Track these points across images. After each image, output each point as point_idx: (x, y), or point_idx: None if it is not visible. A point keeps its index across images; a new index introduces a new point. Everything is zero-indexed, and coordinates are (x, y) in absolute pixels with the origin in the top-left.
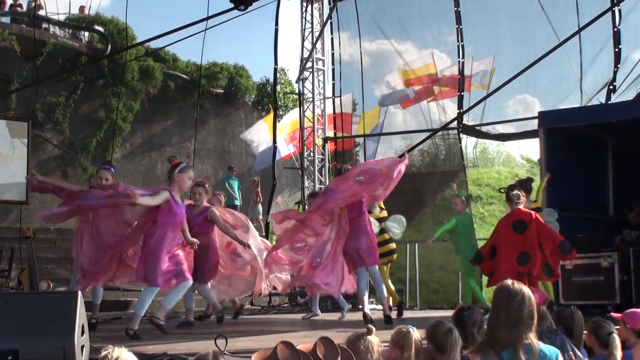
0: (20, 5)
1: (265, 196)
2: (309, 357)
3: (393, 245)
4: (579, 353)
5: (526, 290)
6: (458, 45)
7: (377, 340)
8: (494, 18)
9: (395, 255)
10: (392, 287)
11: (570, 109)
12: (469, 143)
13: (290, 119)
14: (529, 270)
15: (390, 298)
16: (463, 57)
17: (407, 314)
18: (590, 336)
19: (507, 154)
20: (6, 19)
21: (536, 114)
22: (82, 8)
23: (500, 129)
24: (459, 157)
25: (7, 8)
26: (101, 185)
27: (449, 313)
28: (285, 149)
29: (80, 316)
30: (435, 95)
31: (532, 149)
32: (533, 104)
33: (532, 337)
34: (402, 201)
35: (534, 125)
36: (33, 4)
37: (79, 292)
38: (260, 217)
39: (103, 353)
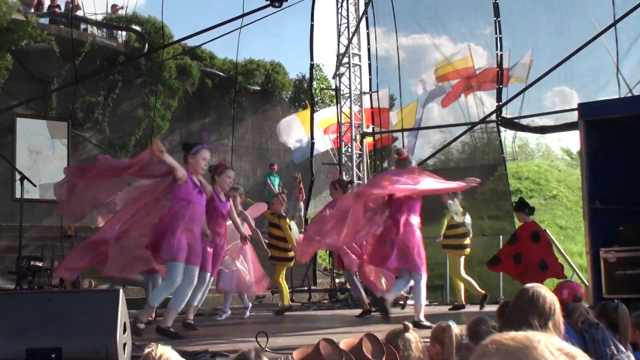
0: (59, 6)
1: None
2: (350, 356)
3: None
4: (621, 347)
5: (544, 291)
6: (496, 38)
7: (415, 337)
8: (530, 9)
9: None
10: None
11: (611, 100)
12: (507, 136)
13: (324, 116)
14: (550, 275)
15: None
16: (501, 50)
17: (446, 309)
18: (635, 331)
19: (546, 147)
20: (45, 20)
21: (574, 106)
22: (114, 7)
23: (538, 121)
24: (498, 150)
25: (45, 9)
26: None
27: (491, 308)
28: (322, 145)
29: (122, 314)
30: (473, 88)
31: (572, 141)
32: (571, 96)
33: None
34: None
35: (572, 117)
36: (71, 5)
37: (121, 290)
38: (302, 213)
39: (147, 350)
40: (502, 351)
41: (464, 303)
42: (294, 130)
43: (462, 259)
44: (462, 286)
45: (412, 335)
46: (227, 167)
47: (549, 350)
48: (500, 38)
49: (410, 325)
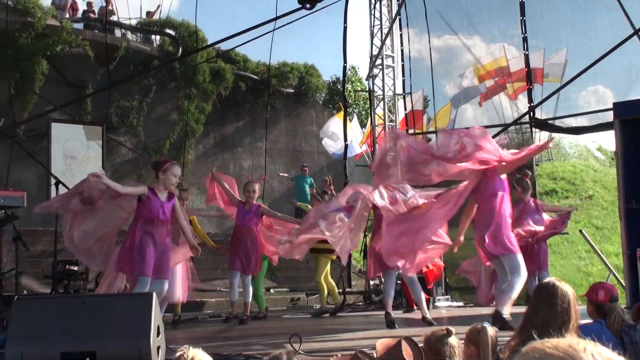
0: (93, 12)
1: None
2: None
3: None
4: None
5: (563, 287)
6: (523, 38)
7: (458, 342)
8: (557, 7)
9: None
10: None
11: None
12: (542, 137)
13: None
14: None
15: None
16: (527, 50)
17: (482, 310)
18: None
19: (582, 147)
20: (79, 25)
21: (609, 105)
22: (149, 13)
23: (573, 121)
24: None
25: (80, 14)
26: None
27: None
28: (358, 148)
29: (156, 317)
30: (507, 89)
31: (607, 140)
32: (605, 95)
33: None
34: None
35: (606, 117)
36: (105, 10)
37: (154, 294)
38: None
39: (178, 353)
40: None
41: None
42: (337, 132)
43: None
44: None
45: (455, 340)
46: (173, 164)
47: (595, 359)
48: (526, 37)
49: (452, 329)
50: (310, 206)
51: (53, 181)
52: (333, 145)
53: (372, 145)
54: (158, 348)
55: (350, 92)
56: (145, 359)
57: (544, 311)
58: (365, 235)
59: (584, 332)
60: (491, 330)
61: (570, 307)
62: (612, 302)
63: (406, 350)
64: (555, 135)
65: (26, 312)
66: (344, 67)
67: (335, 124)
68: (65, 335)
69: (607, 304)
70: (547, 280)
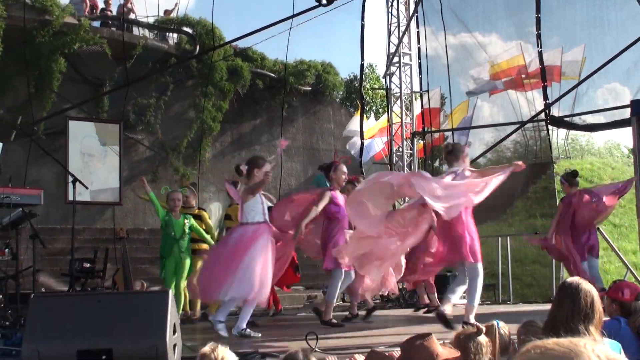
0: (111, 10)
1: None
2: None
3: None
4: None
5: (585, 285)
6: (537, 34)
7: (487, 341)
8: (577, 3)
9: None
10: None
11: None
12: (560, 134)
13: (380, 121)
14: None
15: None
16: (540, 47)
17: (500, 308)
18: None
19: (601, 144)
20: (97, 23)
21: (626, 102)
22: (167, 11)
23: (591, 119)
24: (548, 149)
25: (98, 12)
26: None
27: (543, 307)
28: (376, 148)
29: (172, 315)
30: (524, 86)
31: (625, 137)
32: (623, 93)
33: (593, 332)
34: (492, 194)
35: (623, 114)
36: (123, 8)
37: (170, 291)
38: None
39: (207, 349)
40: (546, 356)
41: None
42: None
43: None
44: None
45: (484, 338)
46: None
47: (595, 356)
48: (540, 34)
49: (483, 328)
50: None
51: (70, 179)
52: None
53: (390, 144)
54: (174, 346)
55: (367, 90)
56: (162, 356)
57: (568, 305)
58: None
59: (602, 328)
60: (504, 328)
61: (594, 302)
62: (637, 300)
63: None
64: (573, 132)
65: (43, 309)
66: (362, 65)
67: (356, 122)
68: (82, 333)
69: (633, 303)
70: (570, 279)
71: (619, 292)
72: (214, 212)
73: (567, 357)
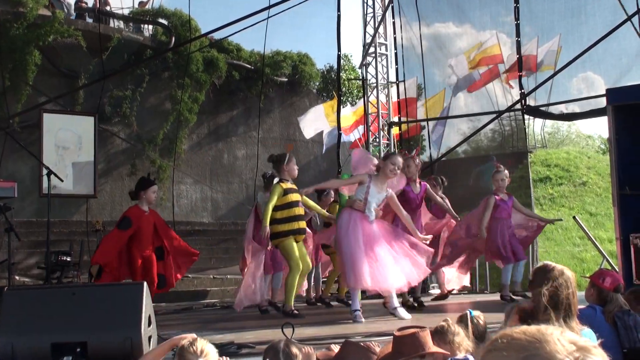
0: (86, 2)
1: None
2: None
3: None
4: None
5: (558, 266)
6: (516, 24)
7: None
8: None
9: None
10: None
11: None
12: (537, 124)
13: (352, 110)
14: None
15: None
16: (518, 37)
17: (478, 297)
18: None
19: (577, 134)
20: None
21: (600, 92)
22: (142, 3)
23: (564, 108)
24: (524, 139)
25: (72, 5)
26: None
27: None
28: (352, 138)
29: (147, 307)
30: (501, 76)
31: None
32: (596, 82)
33: (572, 322)
34: (466, 185)
35: (598, 103)
36: (99, 0)
37: (145, 283)
38: None
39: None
40: (512, 345)
41: None
42: (314, 121)
43: None
44: None
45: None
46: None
47: (561, 344)
48: (518, 24)
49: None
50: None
51: (45, 171)
52: (310, 133)
53: (366, 134)
54: (149, 338)
55: (343, 80)
56: (136, 348)
57: (545, 286)
58: None
59: (578, 316)
60: (478, 317)
61: (569, 282)
62: (616, 291)
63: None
64: (554, 121)
65: (17, 303)
66: (339, 56)
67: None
68: (56, 326)
69: (610, 292)
70: (542, 262)
71: (600, 278)
72: None
73: (533, 345)
